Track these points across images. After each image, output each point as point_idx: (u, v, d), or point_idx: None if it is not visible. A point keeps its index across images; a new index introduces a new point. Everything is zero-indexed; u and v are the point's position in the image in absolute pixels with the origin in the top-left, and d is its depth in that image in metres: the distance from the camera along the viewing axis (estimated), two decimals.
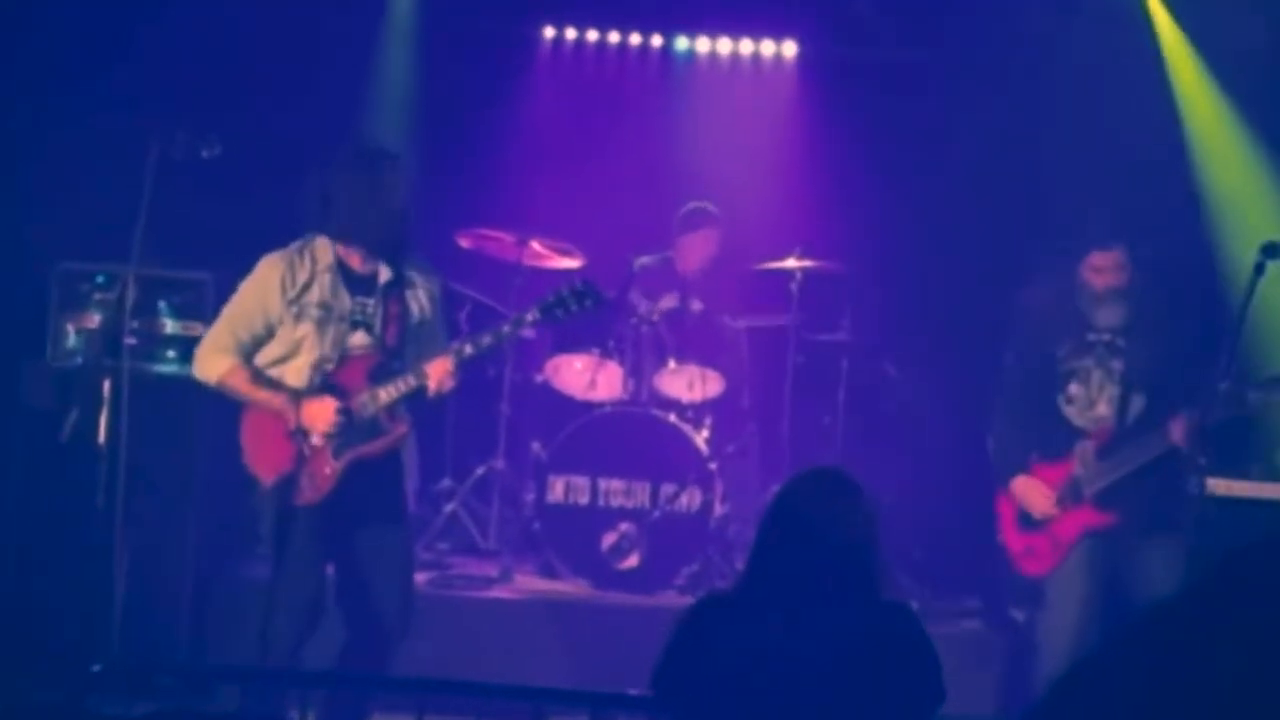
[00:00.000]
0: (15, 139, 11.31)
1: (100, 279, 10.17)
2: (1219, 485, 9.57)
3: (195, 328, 10.17)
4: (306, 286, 8.18)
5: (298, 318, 8.16)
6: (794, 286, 11.45)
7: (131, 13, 11.69)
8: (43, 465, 9.90)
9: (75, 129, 11.30)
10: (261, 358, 8.23)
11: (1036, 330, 9.37)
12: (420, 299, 8.39)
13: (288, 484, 8.08)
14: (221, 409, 9.67)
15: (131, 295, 9.00)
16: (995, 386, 9.55)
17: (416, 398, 8.23)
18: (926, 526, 11.68)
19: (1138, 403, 9.13)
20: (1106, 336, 9.16)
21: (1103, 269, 9.09)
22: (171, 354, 10.31)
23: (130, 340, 9.24)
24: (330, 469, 8.08)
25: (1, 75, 11.28)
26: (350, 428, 8.12)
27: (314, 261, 8.23)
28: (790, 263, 11.43)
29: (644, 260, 11.65)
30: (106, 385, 9.08)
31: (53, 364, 10.19)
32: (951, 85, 12.31)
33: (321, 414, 8.07)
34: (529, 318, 8.50)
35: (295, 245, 8.27)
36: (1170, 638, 1.80)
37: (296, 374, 8.18)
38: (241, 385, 8.20)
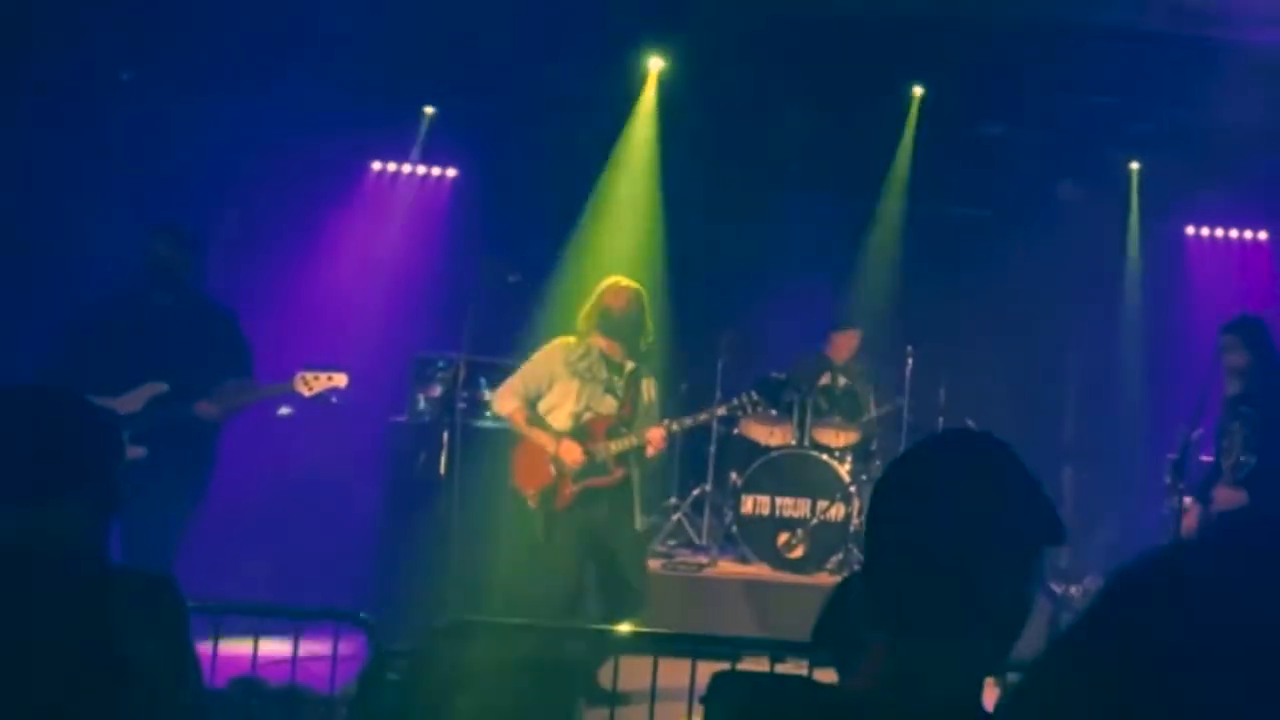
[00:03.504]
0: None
1: (441, 363, 10.32)
2: None
3: None
4: (583, 356, 8.38)
5: (571, 376, 8.35)
6: (908, 372, 11.58)
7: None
8: (403, 488, 10.06)
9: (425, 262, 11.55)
10: (541, 405, 8.42)
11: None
12: (649, 389, 8.59)
13: (546, 495, 8.32)
14: None
15: (462, 374, 9.08)
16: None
17: (640, 452, 8.41)
18: None
19: (1249, 460, 8.48)
20: (1235, 408, 8.66)
21: (1224, 348, 8.58)
22: (489, 414, 10.16)
23: (461, 405, 9.35)
24: (569, 491, 8.30)
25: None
26: (590, 465, 8.30)
27: (588, 345, 8.41)
28: (908, 351, 11.58)
29: (805, 356, 11.79)
30: (445, 435, 9.17)
31: (410, 421, 10.35)
32: (1003, 232, 12.16)
33: (571, 452, 8.27)
34: (719, 412, 8.96)
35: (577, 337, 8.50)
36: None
37: (561, 419, 8.36)
38: (521, 423, 8.40)
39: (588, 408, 8.37)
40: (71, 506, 3.24)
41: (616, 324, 8.39)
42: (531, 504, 8.40)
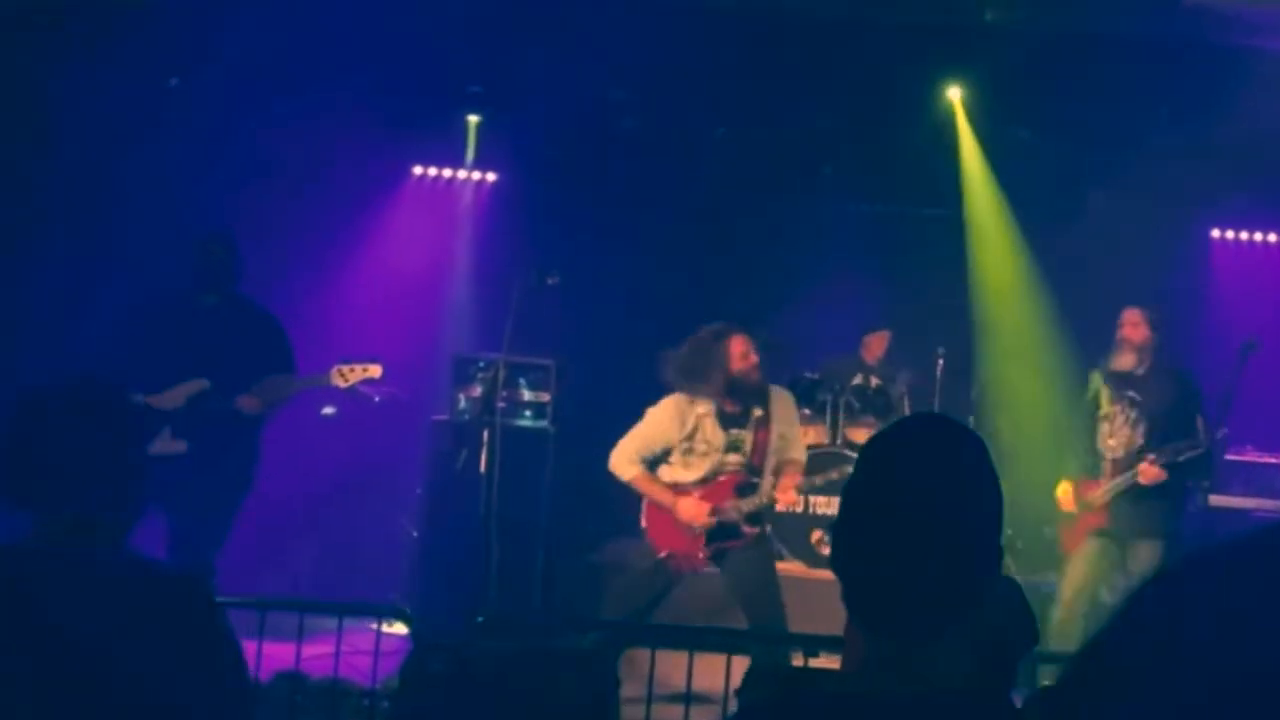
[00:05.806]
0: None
1: (481, 364, 10.30)
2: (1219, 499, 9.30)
3: (543, 395, 10.33)
4: (695, 429, 7.66)
5: (686, 452, 7.72)
6: (939, 373, 11.48)
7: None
8: (445, 485, 9.95)
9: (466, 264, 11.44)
10: (662, 471, 7.82)
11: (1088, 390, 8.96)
12: (781, 426, 7.91)
13: (678, 558, 7.72)
14: (559, 450, 9.65)
15: (502, 374, 9.03)
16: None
17: (766, 510, 7.93)
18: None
19: (1141, 434, 8.58)
20: (1121, 390, 8.67)
21: (1126, 323, 8.61)
22: (528, 413, 10.34)
23: (500, 404, 9.29)
24: (702, 555, 7.72)
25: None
26: (719, 527, 7.70)
27: (698, 409, 7.72)
28: (939, 353, 11.50)
29: (838, 357, 11.66)
30: (485, 434, 9.10)
31: (451, 420, 10.29)
32: (1031, 235, 12.00)
33: (693, 511, 7.65)
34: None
35: (687, 395, 7.75)
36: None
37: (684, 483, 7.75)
38: (644, 486, 7.76)
39: (708, 475, 7.73)
40: (93, 504, 3.06)
41: (740, 384, 7.70)
42: (661, 556, 7.77)
